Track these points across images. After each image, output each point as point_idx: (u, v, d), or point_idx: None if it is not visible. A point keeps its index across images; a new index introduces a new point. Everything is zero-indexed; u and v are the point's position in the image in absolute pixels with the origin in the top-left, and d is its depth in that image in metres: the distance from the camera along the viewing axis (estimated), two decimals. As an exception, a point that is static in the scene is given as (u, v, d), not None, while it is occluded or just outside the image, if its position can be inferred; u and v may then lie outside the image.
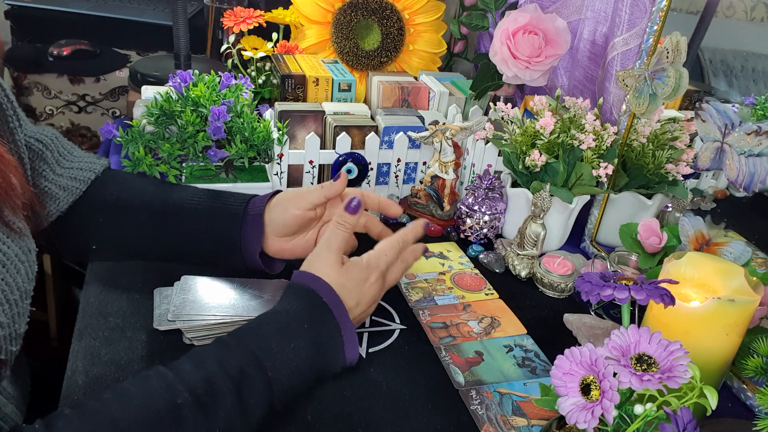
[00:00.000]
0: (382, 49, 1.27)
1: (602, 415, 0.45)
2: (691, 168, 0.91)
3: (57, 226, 0.73)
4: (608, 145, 0.90)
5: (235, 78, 0.95)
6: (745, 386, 0.72)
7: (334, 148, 1.00)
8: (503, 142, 0.97)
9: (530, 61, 0.98)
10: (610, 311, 0.86)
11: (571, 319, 0.79)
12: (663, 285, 0.54)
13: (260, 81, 1.15)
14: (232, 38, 1.17)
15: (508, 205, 0.98)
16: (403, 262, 0.74)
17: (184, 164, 0.92)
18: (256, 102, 1.05)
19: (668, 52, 0.80)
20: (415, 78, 1.21)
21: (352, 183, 1.03)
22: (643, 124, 0.93)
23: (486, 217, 0.96)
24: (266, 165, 1.01)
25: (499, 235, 1.00)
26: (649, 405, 0.47)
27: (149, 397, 0.52)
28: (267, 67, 1.16)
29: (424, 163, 1.06)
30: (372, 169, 1.03)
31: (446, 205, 1.01)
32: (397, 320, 0.79)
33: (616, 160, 0.91)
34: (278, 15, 1.22)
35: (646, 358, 0.48)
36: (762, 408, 0.54)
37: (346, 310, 0.66)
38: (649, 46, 0.85)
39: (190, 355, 0.58)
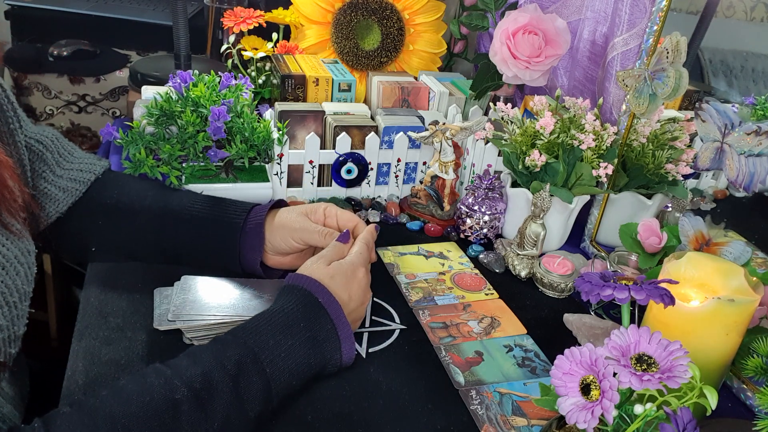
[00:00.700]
0: (382, 49, 1.27)
1: (602, 415, 0.45)
2: (691, 168, 0.91)
3: (56, 228, 0.73)
4: (608, 145, 0.90)
5: (235, 78, 0.95)
6: (745, 386, 0.72)
7: (334, 148, 1.00)
8: (503, 142, 0.97)
9: (530, 61, 0.98)
10: (610, 311, 0.86)
11: (571, 319, 0.79)
12: (663, 285, 0.54)
13: (260, 81, 1.15)
14: (232, 38, 1.17)
15: (508, 205, 0.98)
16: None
17: (184, 164, 0.92)
18: (256, 102, 1.05)
19: (668, 52, 0.80)
20: (415, 78, 1.21)
21: (352, 183, 1.03)
22: (643, 124, 0.93)
23: (486, 217, 0.96)
24: (266, 165, 1.01)
25: (499, 235, 1.00)
26: (649, 405, 0.47)
27: (147, 393, 0.53)
28: (267, 67, 1.16)
29: (424, 163, 1.06)
30: (372, 169, 1.03)
31: (446, 205, 1.01)
32: (397, 320, 0.79)
33: (616, 160, 0.91)
34: (278, 15, 1.22)
35: (646, 358, 0.48)
36: (762, 408, 0.54)
37: (341, 306, 0.67)
38: (649, 46, 0.85)
39: (188, 353, 0.59)
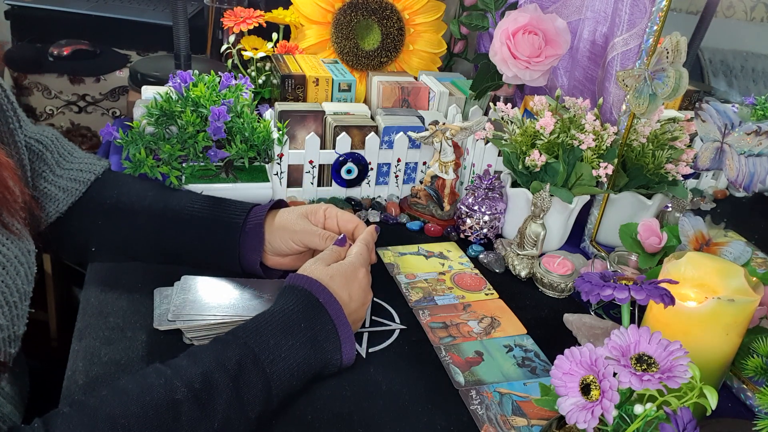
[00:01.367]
0: (382, 49, 1.27)
1: (602, 415, 0.45)
2: (691, 168, 0.91)
3: (56, 228, 0.73)
4: (608, 145, 0.90)
5: (235, 78, 0.95)
6: (744, 386, 0.72)
7: (334, 148, 1.00)
8: (503, 142, 0.97)
9: (530, 61, 0.98)
10: (610, 311, 0.86)
11: (571, 319, 0.79)
12: (663, 285, 0.54)
13: (260, 81, 1.15)
14: (232, 38, 1.17)
15: (508, 205, 0.98)
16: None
17: (184, 164, 0.92)
18: (256, 102, 1.05)
19: (668, 52, 0.80)
20: (415, 78, 1.21)
21: (352, 183, 1.03)
22: (643, 124, 0.93)
23: (486, 217, 0.96)
24: (266, 165, 1.01)
25: (499, 235, 1.00)
26: (649, 405, 0.47)
27: (147, 394, 0.53)
28: (267, 67, 1.16)
29: (424, 163, 1.06)
30: (372, 169, 1.03)
31: (446, 205, 1.01)
32: (397, 320, 0.79)
33: (616, 160, 0.91)
34: (278, 15, 1.22)
35: (646, 358, 0.48)
36: (762, 408, 0.54)
37: (341, 306, 0.67)
38: (649, 46, 0.85)
39: (188, 353, 0.59)
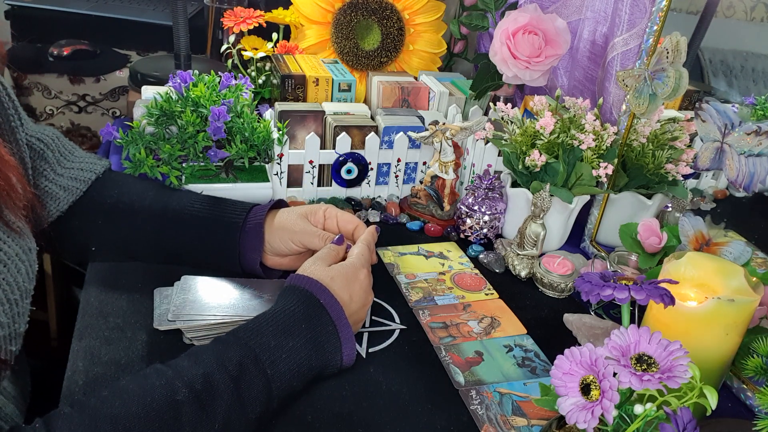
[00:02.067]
0: (382, 49, 1.27)
1: (602, 415, 0.45)
2: (691, 168, 0.91)
3: (57, 227, 0.73)
4: (608, 145, 0.90)
5: (235, 78, 0.95)
6: (744, 386, 0.72)
7: (334, 148, 1.00)
8: (503, 142, 0.97)
9: (530, 61, 0.98)
10: (610, 311, 0.86)
11: (571, 319, 0.79)
12: (663, 285, 0.54)
13: (260, 81, 1.15)
14: (232, 38, 1.17)
15: (508, 205, 0.98)
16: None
17: (184, 164, 0.92)
18: (256, 102, 1.05)
19: (668, 52, 0.80)
20: (415, 78, 1.21)
21: (352, 183, 1.03)
22: (643, 124, 0.93)
23: (486, 217, 0.96)
24: (266, 165, 1.01)
25: (499, 235, 1.00)
26: (649, 405, 0.47)
27: (148, 394, 0.53)
28: (267, 67, 1.16)
29: (424, 163, 1.06)
30: (372, 169, 1.03)
31: (446, 205, 1.01)
32: (397, 320, 0.79)
33: (616, 160, 0.91)
34: (278, 15, 1.22)
35: (646, 358, 0.48)
36: (762, 408, 0.54)
37: (342, 307, 0.67)
38: (649, 46, 0.85)
39: (189, 353, 0.58)
